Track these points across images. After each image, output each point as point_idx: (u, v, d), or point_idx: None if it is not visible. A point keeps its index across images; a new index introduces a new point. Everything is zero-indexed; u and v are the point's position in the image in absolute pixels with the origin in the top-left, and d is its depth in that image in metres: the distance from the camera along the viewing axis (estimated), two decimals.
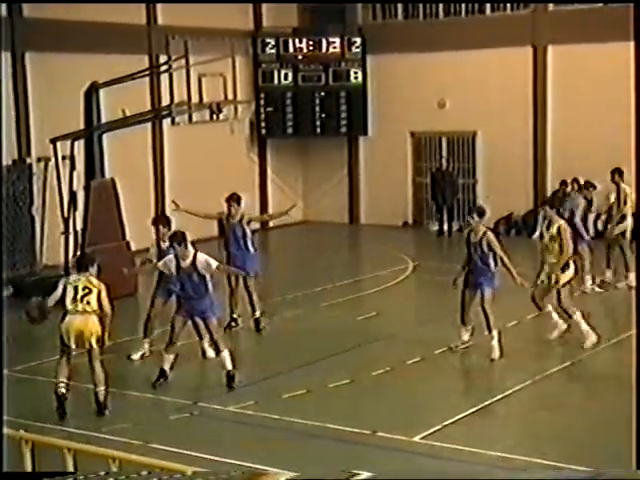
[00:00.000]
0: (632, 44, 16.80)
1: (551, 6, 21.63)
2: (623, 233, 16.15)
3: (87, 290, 10.56)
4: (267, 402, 10.65)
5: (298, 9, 24.11)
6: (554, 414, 10.29)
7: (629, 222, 16.26)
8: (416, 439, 9.51)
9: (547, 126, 21.81)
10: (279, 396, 10.86)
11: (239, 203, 14.05)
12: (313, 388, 11.12)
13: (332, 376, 11.46)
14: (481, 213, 12.70)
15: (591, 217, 21.29)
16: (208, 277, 11.30)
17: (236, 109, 17.20)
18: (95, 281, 10.65)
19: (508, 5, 22.12)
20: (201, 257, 11.38)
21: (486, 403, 10.48)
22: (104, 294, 10.59)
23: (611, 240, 16.18)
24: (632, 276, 15.52)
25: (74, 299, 10.50)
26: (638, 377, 7.27)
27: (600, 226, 21.13)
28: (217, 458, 8.82)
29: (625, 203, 16.13)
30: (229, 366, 11.32)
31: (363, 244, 23.45)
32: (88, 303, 10.51)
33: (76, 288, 10.55)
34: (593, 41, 20.74)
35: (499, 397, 10.67)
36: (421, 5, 23.06)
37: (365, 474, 6.39)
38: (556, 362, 11.93)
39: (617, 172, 16.43)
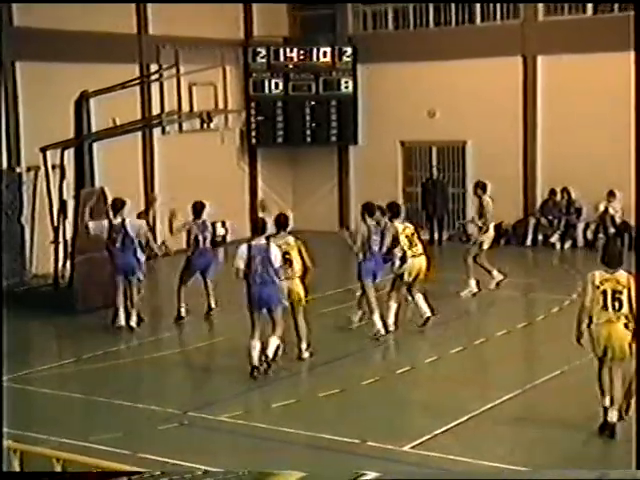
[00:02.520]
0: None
1: (541, 16, 21.72)
2: (481, 244, 16.47)
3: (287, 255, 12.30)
4: (257, 411, 10.65)
5: (289, 19, 24.18)
6: (544, 423, 10.29)
7: (491, 233, 16.70)
8: (406, 448, 9.50)
9: (537, 136, 21.88)
10: (269, 405, 10.86)
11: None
12: (303, 397, 11.11)
13: (322, 385, 11.46)
14: None
15: (580, 226, 21.47)
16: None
17: (226, 118, 17.22)
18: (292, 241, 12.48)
19: (498, 15, 22.21)
20: None
21: (476, 412, 10.47)
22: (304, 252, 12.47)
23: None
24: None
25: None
26: (638, 377, 7.28)
27: (590, 235, 21.30)
28: (207, 468, 8.78)
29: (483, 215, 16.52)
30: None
31: (353, 253, 23.35)
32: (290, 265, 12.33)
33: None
34: (583, 51, 20.82)
35: (489, 406, 10.66)
36: (412, 15, 23.14)
37: (371, 474, 6.40)
38: (545, 372, 11.93)
39: (480, 186, 16.80)
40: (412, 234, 14.40)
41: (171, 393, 11.68)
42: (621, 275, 9.76)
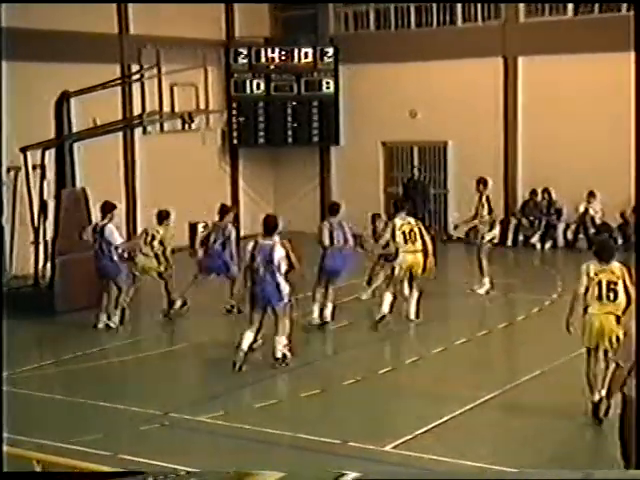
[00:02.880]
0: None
1: (522, 17, 21.80)
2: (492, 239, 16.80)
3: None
4: (238, 412, 10.62)
5: (270, 19, 24.18)
6: (526, 422, 10.32)
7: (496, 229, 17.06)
8: (387, 449, 9.51)
9: (517, 136, 21.96)
10: (250, 406, 10.85)
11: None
12: (284, 398, 11.11)
13: (303, 386, 11.46)
14: None
15: (561, 227, 21.57)
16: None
17: (208, 119, 17.23)
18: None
19: (479, 16, 22.27)
20: None
21: (458, 412, 10.49)
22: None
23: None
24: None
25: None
26: (638, 377, 7.31)
27: (570, 236, 21.39)
28: (188, 469, 8.77)
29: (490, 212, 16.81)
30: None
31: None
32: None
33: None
34: (563, 52, 20.91)
35: (471, 406, 10.69)
36: (393, 16, 23.19)
37: (352, 474, 6.40)
38: (526, 372, 11.97)
39: (482, 182, 17.00)
40: (410, 230, 14.49)
41: (152, 394, 11.64)
42: (615, 266, 9.91)
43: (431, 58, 22.21)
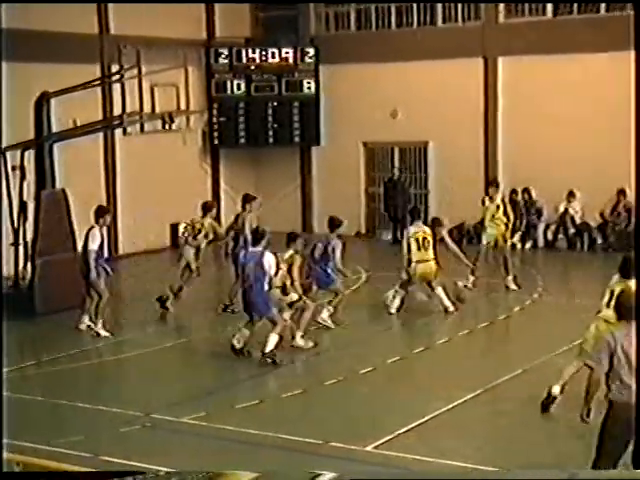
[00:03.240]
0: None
1: (501, 18, 21.87)
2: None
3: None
4: (220, 413, 10.61)
5: (251, 19, 24.16)
6: (509, 421, 10.36)
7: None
8: (369, 448, 9.52)
9: (498, 136, 22.03)
10: (232, 407, 10.83)
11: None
12: (266, 398, 11.10)
13: (285, 386, 11.46)
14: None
15: (541, 227, 21.65)
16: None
17: (188, 119, 17.19)
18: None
19: (459, 17, 22.34)
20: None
21: (439, 411, 10.52)
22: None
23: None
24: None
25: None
26: (638, 377, 7.32)
27: (550, 235, 21.48)
28: (169, 470, 8.75)
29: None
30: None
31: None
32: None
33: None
34: (543, 53, 21.00)
35: (452, 405, 10.71)
36: (374, 16, 23.22)
37: (328, 474, 6.40)
38: (507, 370, 12.01)
39: (494, 185, 17.55)
40: (424, 239, 14.77)
41: (134, 395, 11.61)
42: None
43: (412, 58, 22.25)
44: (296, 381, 11.65)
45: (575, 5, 21.11)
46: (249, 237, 15.03)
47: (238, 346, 12.62)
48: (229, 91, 23.11)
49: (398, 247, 21.70)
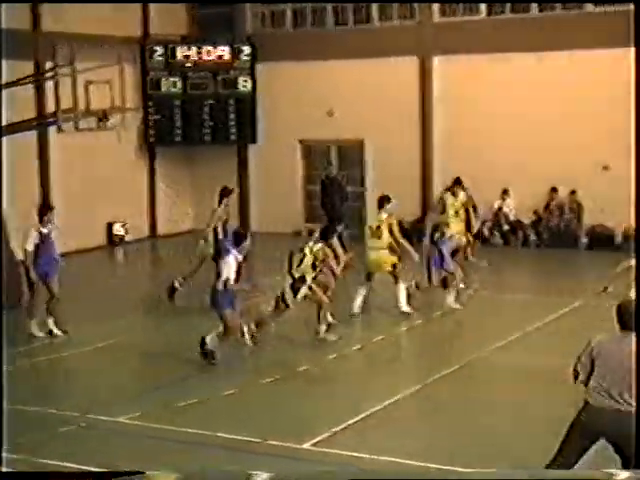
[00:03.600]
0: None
1: (436, 17, 22.07)
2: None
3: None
4: (158, 412, 10.56)
5: (187, 17, 24.03)
6: (445, 417, 10.47)
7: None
8: (306, 446, 9.57)
9: (433, 135, 22.23)
10: (170, 406, 10.79)
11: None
12: (204, 397, 11.07)
13: (223, 385, 11.44)
14: None
15: (477, 223, 21.86)
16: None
17: (124, 117, 17.00)
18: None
19: (395, 16, 22.49)
20: None
21: (377, 408, 10.59)
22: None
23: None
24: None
25: None
26: (638, 376, 7.42)
27: (486, 232, 21.73)
28: (105, 470, 8.70)
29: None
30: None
31: (253, 252, 23.37)
32: None
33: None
34: (477, 52, 21.24)
35: (389, 402, 10.80)
36: (310, 15, 23.27)
37: (264, 475, 6.39)
38: (445, 366, 12.14)
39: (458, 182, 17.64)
40: (377, 227, 14.68)
41: (69, 395, 11.50)
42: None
43: (348, 57, 22.35)
44: (233, 379, 11.63)
45: (508, 5, 21.39)
46: (220, 230, 15.18)
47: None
48: (165, 89, 22.97)
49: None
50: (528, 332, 13.79)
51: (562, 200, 21.05)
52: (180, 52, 22.97)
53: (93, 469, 8.62)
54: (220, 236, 15.46)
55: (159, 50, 22.83)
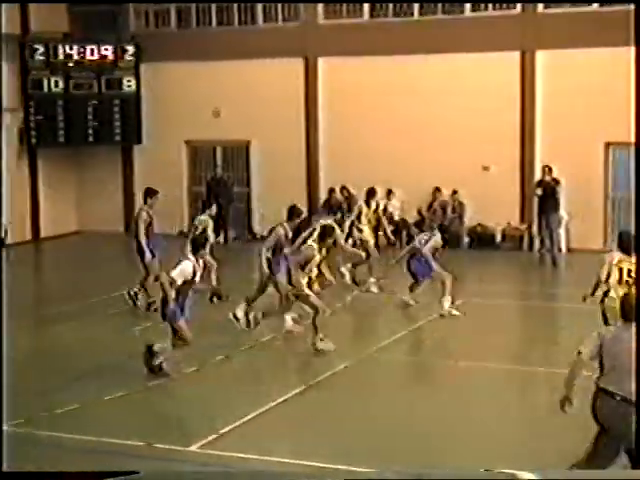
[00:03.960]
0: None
1: (321, 19, 22.22)
2: None
3: None
4: (39, 418, 10.36)
5: (68, 14, 23.59)
6: (331, 417, 10.56)
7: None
8: (193, 448, 9.53)
9: (319, 136, 22.39)
10: (52, 411, 10.60)
11: None
12: (88, 402, 10.91)
13: (108, 389, 11.28)
14: None
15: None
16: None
17: (1, 117, 16.63)
18: None
19: (280, 17, 22.56)
20: None
21: (263, 409, 10.61)
22: None
23: None
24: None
25: None
26: (638, 376, 7.58)
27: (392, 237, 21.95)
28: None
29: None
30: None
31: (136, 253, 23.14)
32: None
33: None
34: (360, 54, 21.46)
35: (276, 402, 10.83)
36: (194, 14, 23.15)
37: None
38: (331, 366, 12.24)
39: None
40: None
41: None
42: (634, 259, 10.94)
43: (234, 57, 22.32)
44: (119, 383, 11.48)
45: (391, 7, 21.68)
46: (141, 231, 15.17)
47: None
48: (46, 88, 22.52)
49: (221, 246, 21.91)
50: (411, 331, 14.05)
51: (445, 200, 21.46)
52: (62, 51, 22.55)
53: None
54: (141, 238, 15.17)
55: (40, 49, 22.36)
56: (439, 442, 9.70)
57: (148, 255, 15.30)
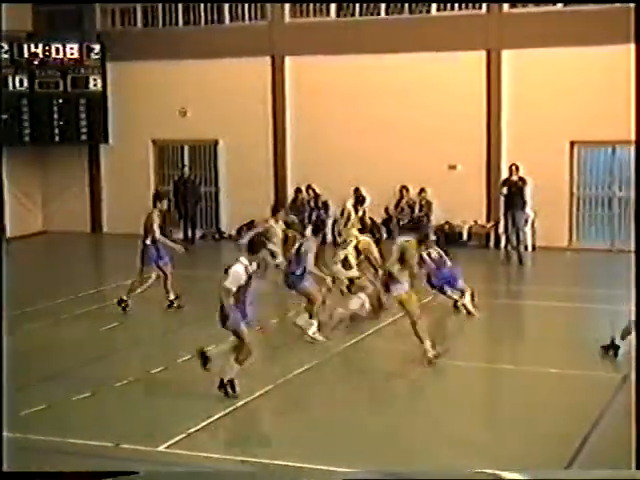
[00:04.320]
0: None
1: (288, 18, 22.22)
2: None
3: None
4: (5, 420, 10.27)
5: (33, 12, 23.42)
6: (302, 415, 10.56)
7: None
8: (160, 449, 9.50)
9: (286, 135, 22.39)
10: (17, 413, 10.52)
11: None
12: (54, 403, 10.85)
13: (75, 389, 11.22)
14: None
15: (329, 222, 22.17)
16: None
17: None
18: None
19: (246, 16, 22.53)
20: None
21: (231, 408, 10.60)
22: None
23: None
24: None
25: None
26: (638, 376, 7.57)
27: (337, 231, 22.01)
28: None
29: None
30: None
31: (106, 253, 23.12)
32: None
33: None
34: (329, 53, 21.52)
35: (244, 402, 10.82)
36: (161, 13, 23.07)
37: None
38: (300, 364, 12.25)
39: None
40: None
41: None
42: None
43: (200, 57, 22.27)
44: (86, 383, 11.42)
45: (358, 6, 21.73)
46: (157, 235, 14.90)
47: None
48: (11, 87, 22.34)
49: (189, 245, 21.86)
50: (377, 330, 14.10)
51: (412, 198, 21.54)
52: (26, 49, 22.38)
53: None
54: (148, 241, 15.00)
55: (4, 47, 22.18)
56: (415, 443, 9.74)
57: (166, 259, 15.08)
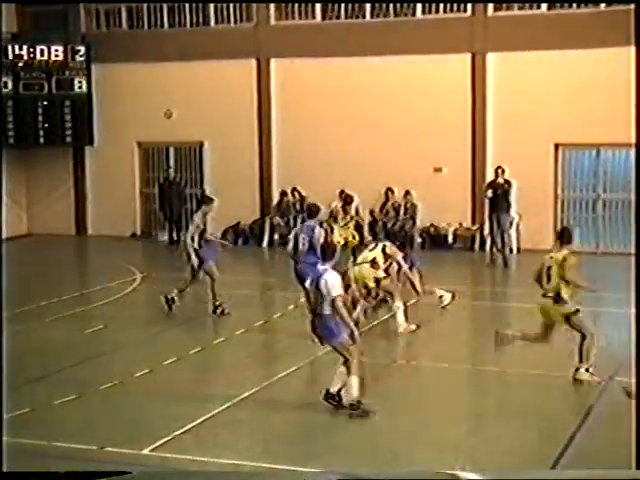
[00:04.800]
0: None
1: (273, 20, 22.21)
2: None
3: None
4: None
5: (18, 13, 23.34)
6: (284, 418, 10.56)
7: None
8: (145, 452, 9.48)
9: (272, 137, 22.38)
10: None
11: None
12: (38, 406, 10.81)
13: (58, 392, 11.19)
14: None
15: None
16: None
17: None
18: None
19: (232, 18, 22.52)
20: None
21: (215, 411, 10.59)
22: None
23: None
24: None
25: None
26: (638, 376, 7.55)
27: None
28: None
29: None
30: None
31: (90, 256, 23.07)
32: None
33: None
34: (314, 55, 21.53)
35: (228, 404, 10.82)
36: (146, 15, 23.03)
37: None
38: (283, 367, 12.25)
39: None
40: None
41: None
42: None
43: (186, 58, 22.24)
44: (70, 386, 11.38)
45: (343, 9, 21.75)
46: (196, 238, 14.82)
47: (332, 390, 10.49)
48: None
49: (175, 247, 21.84)
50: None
51: (398, 201, 21.55)
52: (11, 51, 22.31)
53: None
54: (195, 246, 14.92)
55: None
56: (397, 445, 9.74)
57: (194, 259, 14.95)
